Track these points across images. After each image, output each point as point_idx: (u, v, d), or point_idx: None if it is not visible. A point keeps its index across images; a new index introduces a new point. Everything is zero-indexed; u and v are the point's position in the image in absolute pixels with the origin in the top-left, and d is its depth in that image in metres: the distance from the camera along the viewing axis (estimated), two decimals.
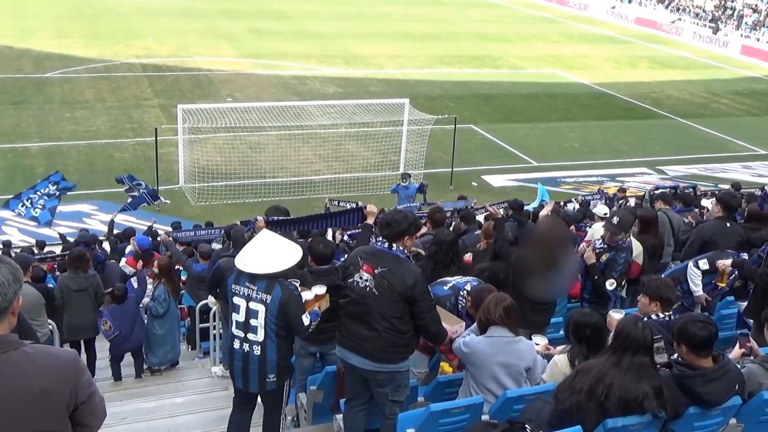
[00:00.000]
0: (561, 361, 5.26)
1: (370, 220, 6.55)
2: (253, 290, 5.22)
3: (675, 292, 5.71)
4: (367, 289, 5.22)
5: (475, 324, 5.48)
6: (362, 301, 5.25)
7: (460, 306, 6.14)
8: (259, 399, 5.82)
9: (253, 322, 5.23)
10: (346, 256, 6.31)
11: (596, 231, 8.57)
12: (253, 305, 5.22)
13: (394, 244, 5.29)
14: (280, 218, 6.89)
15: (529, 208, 11.07)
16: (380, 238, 5.38)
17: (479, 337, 5.24)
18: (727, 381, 4.42)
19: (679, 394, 4.40)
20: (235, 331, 5.35)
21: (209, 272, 9.20)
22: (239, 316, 5.29)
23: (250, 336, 5.26)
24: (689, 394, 4.39)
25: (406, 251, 5.43)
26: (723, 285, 7.20)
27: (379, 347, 5.23)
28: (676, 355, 4.62)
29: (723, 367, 4.43)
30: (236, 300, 5.31)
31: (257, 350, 5.25)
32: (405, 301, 5.18)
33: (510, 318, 5.21)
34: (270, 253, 5.28)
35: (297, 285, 5.42)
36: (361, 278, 5.26)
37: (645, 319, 5.26)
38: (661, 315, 5.44)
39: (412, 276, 5.19)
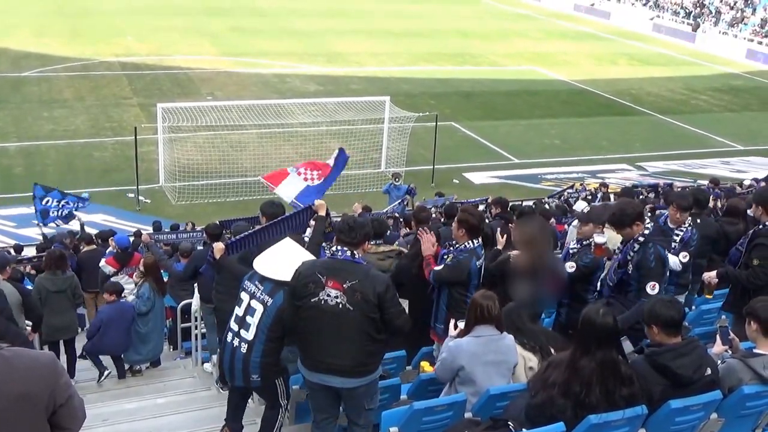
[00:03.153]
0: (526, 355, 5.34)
1: (322, 212, 6.51)
2: (259, 289, 5.31)
3: (478, 219, 6.44)
4: (339, 306, 4.91)
5: (449, 337, 5.38)
6: (333, 319, 4.94)
7: None
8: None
9: (248, 319, 5.30)
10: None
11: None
12: (254, 303, 5.30)
13: (355, 252, 5.07)
14: (240, 237, 6.98)
15: None
16: (340, 247, 5.08)
17: (465, 338, 5.15)
18: (696, 356, 4.56)
19: (652, 374, 4.51)
20: (232, 324, 5.44)
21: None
22: (239, 310, 5.39)
23: (242, 332, 5.33)
24: (661, 370, 4.51)
25: (365, 257, 5.31)
26: (710, 297, 7.23)
27: (359, 362, 5.03)
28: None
29: (690, 343, 4.60)
30: (242, 295, 5.41)
31: (244, 348, 5.31)
32: (379, 310, 4.98)
33: (500, 313, 5.22)
34: (283, 260, 5.30)
35: None
36: (328, 296, 4.93)
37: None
38: (475, 243, 6.35)
39: (383, 283, 5.00)
